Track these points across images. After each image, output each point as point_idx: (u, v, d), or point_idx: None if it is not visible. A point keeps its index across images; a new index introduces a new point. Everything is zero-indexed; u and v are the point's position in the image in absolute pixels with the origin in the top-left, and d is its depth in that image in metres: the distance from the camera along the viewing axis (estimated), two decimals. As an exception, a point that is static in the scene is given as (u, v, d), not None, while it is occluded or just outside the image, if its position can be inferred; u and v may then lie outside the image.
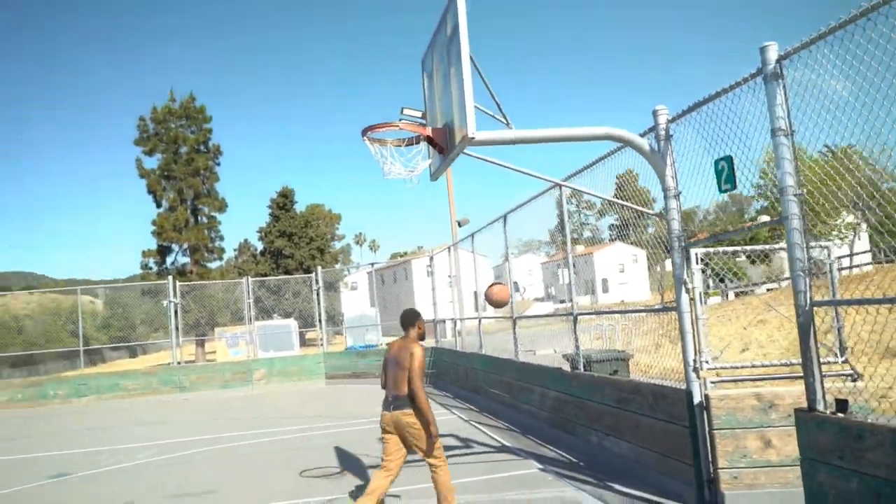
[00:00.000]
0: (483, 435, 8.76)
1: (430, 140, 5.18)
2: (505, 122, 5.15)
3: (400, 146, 5.18)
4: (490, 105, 5.15)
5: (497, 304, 6.78)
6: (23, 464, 9.40)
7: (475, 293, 12.63)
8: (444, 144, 5.08)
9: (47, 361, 50.43)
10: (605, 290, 57.08)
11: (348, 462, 7.68)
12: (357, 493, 6.07)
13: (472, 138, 4.51)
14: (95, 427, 12.76)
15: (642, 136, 5.43)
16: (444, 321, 16.67)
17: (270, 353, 25.46)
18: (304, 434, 9.98)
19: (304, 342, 41.68)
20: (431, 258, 16.16)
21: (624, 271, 57.43)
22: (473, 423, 9.67)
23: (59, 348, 46.11)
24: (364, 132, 5.05)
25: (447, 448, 7.86)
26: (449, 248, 14.74)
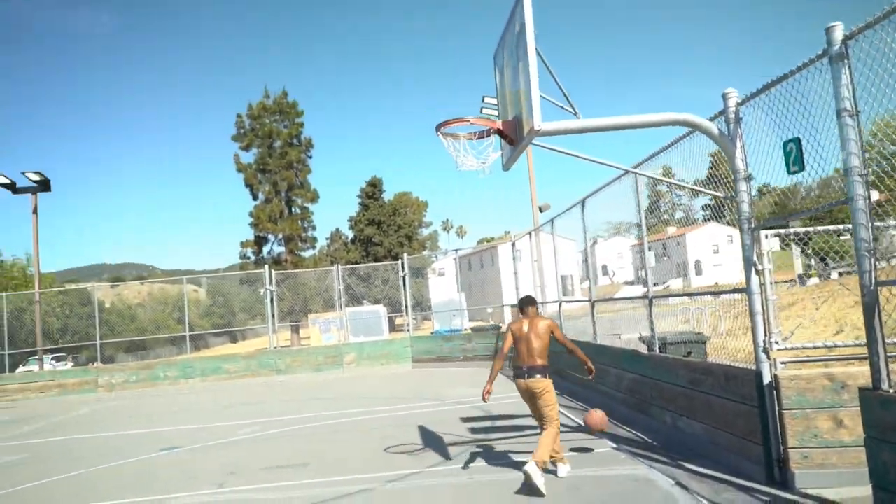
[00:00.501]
0: (561, 416, 8.95)
1: (500, 132, 5.41)
2: (573, 111, 5.31)
3: (472, 139, 5.44)
4: (558, 96, 5.33)
5: (595, 428, 6.86)
6: (139, 438, 10.36)
7: (559, 277, 12.75)
8: (513, 136, 5.30)
9: (157, 346, 54.10)
10: (699, 272, 55.36)
11: (430, 440, 8.06)
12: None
13: (538, 130, 4.71)
14: (200, 406, 13.79)
15: (711, 120, 5.46)
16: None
17: (361, 339, 26.38)
18: (389, 414, 10.48)
19: (393, 327, 42.83)
20: (513, 244, 16.36)
21: (718, 252, 55.54)
22: (553, 405, 9.87)
23: (167, 334, 49.28)
24: (438, 128, 5.34)
25: (524, 428, 8.13)
26: (530, 233, 14.90)
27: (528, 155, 17.47)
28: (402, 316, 21.47)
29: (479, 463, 6.67)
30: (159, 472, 7.68)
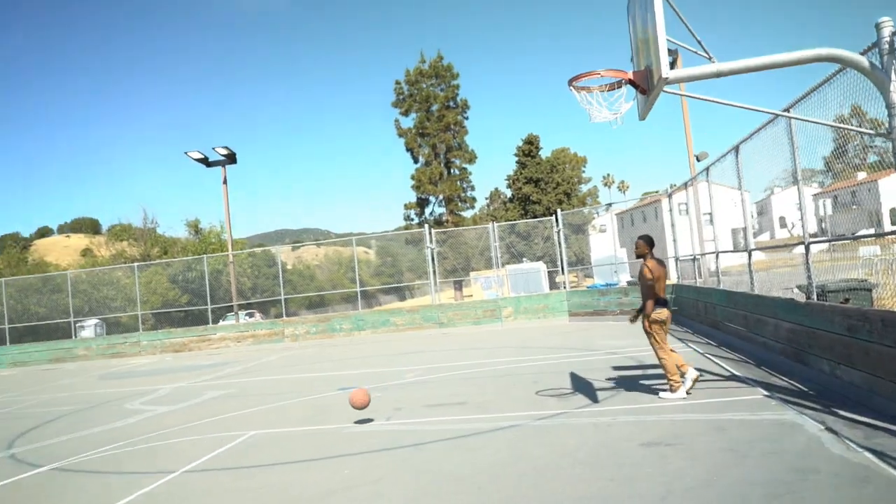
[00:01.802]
0: (714, 365, 8.89)
1: (632, 83, 5.52)
2: (707, 56, 5.29)
3: (604, 91, 5.60)
4: (692, 42, 5.33)
5: (356, 407, 7.51)
6: (320, 379, 11.66)
7: (728, 229, 12.37)
8: (645, 86, 5.40)
9: (332, 303, 58.52)
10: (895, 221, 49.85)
11: (580, 385, 8.41)
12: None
13: (666, 78, 4.80)
14: (371, 354, 15.08)
15: (862, 54, 5.19)
16: (694, 258, 16.41)
17: (521, 294, 26.92)
18: (542, 362, 10.92)
19: (553, 284, 43.10)
20: (670, 196, 15.95)
21: (921, 198, 49.58)
22: (708, 356, 9.78)
23: (341, 291, 53.00)
24: (570, 82, 5.56)
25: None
26: (686, 184, 14.46)
27: (683, 103, 16.78)
28: (560, 273, 21.73)
29: (624, 406, 6.93)
30: (337, 406, 8.71)
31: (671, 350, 7.30)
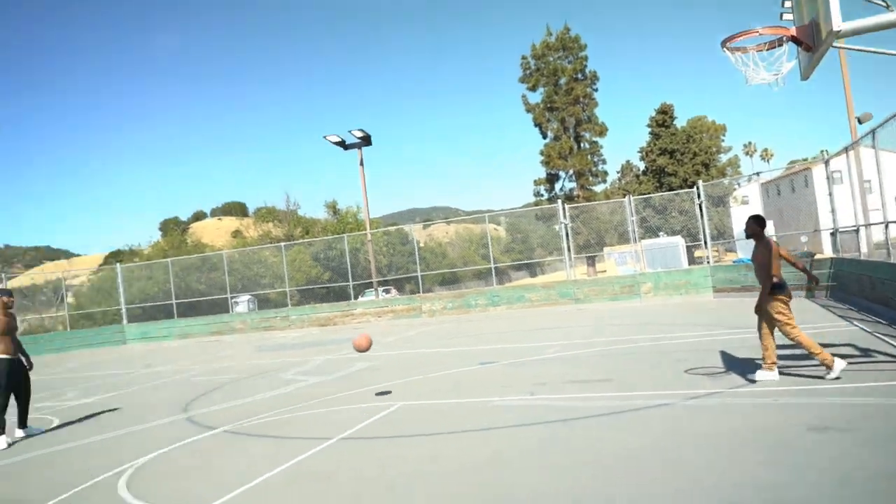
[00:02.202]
0: (886, 345, 8.17)
1: (794, 39, 5.11)
2: (884, 4, 4.80)
3: (762, 51, 5.22)
4: (867, -10, 4.85)
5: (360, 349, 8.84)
6: (460, 354, 11.90)
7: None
8: (809, 42, 4.98)
9: (464, 280, 59.37)
10: None
11: (732, 364, 8.02)
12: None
13: (838, 31, 4.40)
14: (508, 330, 15.17)
15: None
16: (857, 228, 15.13)
17: (658, 270, 26.05)
18: (688, 340, 10.51)
19: (692, 260, 41.20)
20: (827, 162, 14.72)
21: None
22: (877, 335, 9.01)
23: (474, 267, 53.57)
24: (723, 43, 5.23)
25: (843, 356, 7.68)
26: (846, 149, 13.27)
27: (842, 59, 15.33)
28: (700, 247, 20.73)
29: (783, 387, 6.54)
30: (479, 380, 8.86)
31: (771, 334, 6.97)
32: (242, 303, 37.96)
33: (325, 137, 22.23)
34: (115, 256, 48.31)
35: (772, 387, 6.59)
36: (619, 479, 4.43)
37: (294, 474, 5.40)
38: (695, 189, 18.63)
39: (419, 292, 22.61)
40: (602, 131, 49.73)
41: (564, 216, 19.60)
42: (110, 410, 9.86)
